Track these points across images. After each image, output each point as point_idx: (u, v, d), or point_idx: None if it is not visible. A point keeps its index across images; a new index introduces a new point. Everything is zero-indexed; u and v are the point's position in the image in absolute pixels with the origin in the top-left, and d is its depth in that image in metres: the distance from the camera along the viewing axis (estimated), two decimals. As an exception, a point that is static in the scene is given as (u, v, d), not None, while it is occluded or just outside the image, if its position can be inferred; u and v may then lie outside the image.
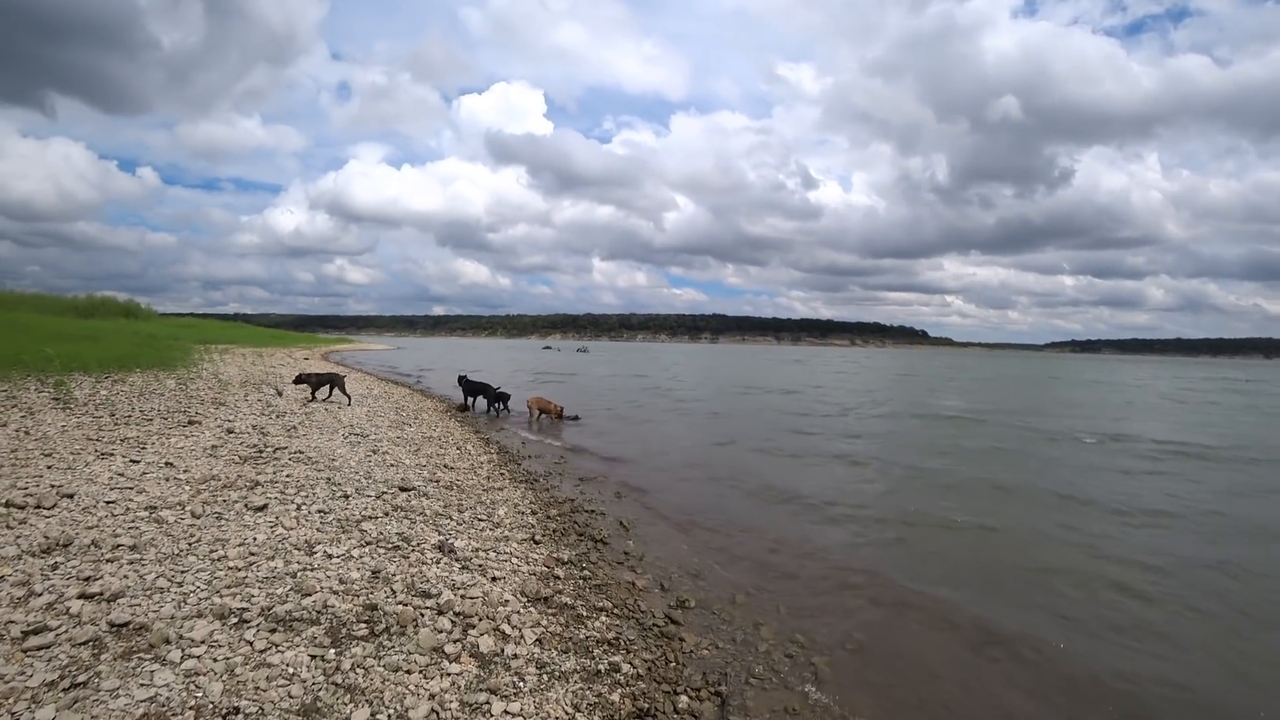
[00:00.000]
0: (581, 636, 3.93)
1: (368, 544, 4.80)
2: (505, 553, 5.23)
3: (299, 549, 4.50)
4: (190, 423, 7.98)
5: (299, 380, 12.00)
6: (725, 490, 8.42)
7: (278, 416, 9.48)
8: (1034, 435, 14.62)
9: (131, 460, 6.04)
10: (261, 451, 7.07)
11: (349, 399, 12.49)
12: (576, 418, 14.72)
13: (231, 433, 7.80)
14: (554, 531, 6.12)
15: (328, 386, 12.33)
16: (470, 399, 15.58)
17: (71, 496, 4.93)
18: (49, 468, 5.57)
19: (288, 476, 6.20)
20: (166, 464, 6.08)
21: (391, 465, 7.42)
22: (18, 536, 4.14)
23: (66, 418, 7.30)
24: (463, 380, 15.80)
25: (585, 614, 4.29)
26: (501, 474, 8.31)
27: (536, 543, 5.70)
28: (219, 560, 4.15)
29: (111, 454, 6.17)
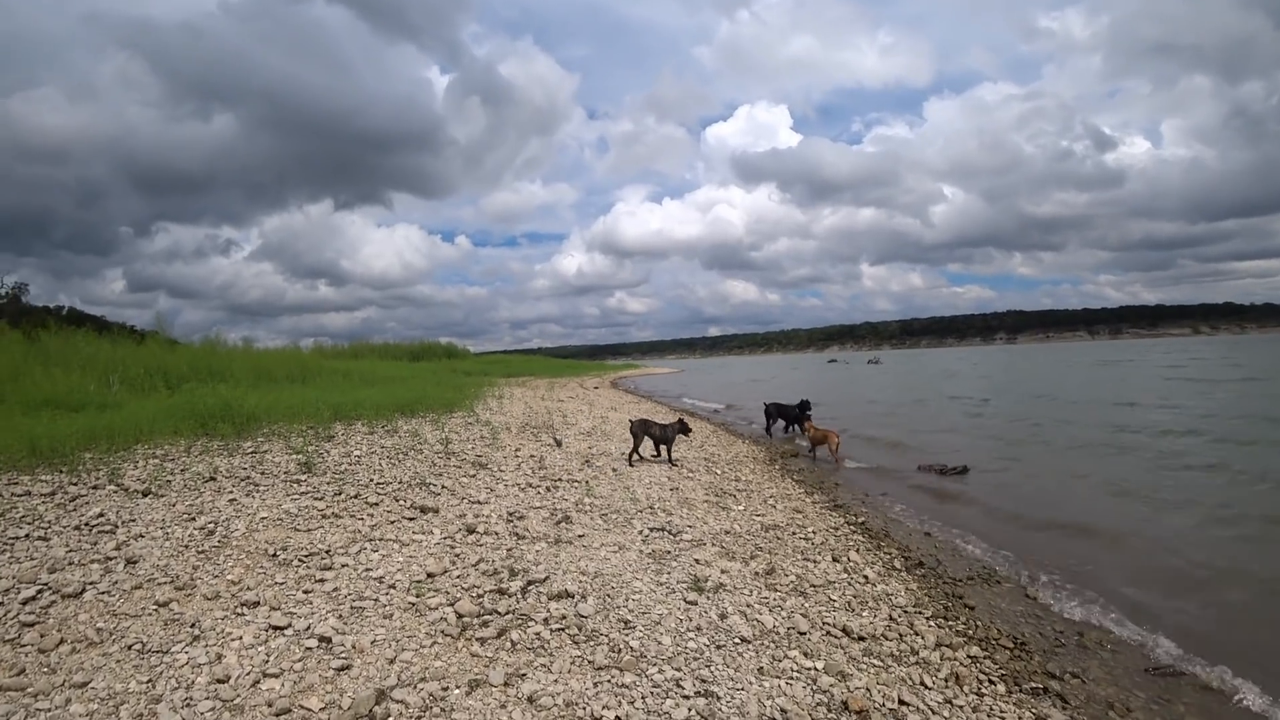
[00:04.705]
0: None
1: None
2: None
3: None
4: (423, 510, 5.20)
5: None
6: None
7: (549, 490, 6.44)
8: None
9: (272, 626, 3.12)
10: (503, 592, 3.77)
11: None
12: (964, 469, 9.47)
13: (472, 533, 4.79)
14: None
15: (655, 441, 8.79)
16: (773, 422, 14.89)
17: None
18: (130, 649, 2.85)
19: (529, 700, 2.64)
20: (323, 640, 3.02)
21: (740, 641, 3.48)
22: None
23: (281, 498, 5.06)
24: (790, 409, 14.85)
25: None
26: (969, 658, 3.79)
27: None
28: None
29: (258, 603, 3.36)
